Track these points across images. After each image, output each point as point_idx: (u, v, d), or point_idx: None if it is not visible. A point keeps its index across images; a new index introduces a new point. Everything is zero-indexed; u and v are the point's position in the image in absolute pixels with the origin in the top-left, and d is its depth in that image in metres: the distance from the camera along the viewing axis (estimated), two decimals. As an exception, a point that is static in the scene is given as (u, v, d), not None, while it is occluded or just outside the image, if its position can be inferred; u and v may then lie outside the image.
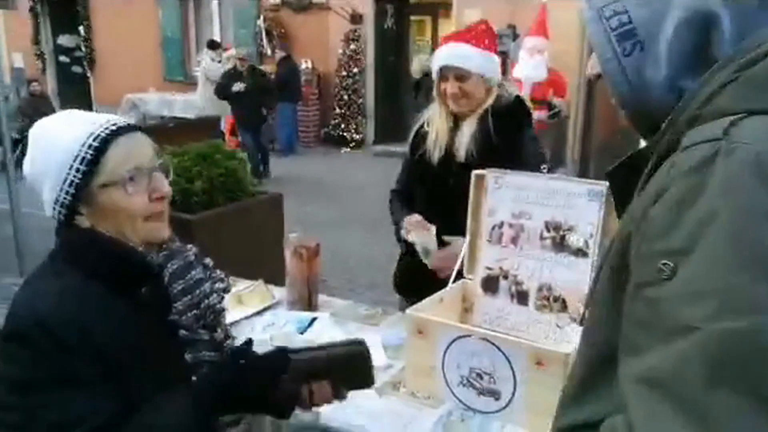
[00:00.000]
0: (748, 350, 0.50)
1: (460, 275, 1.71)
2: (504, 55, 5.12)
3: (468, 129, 1.84)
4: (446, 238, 1.84)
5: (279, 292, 2.06)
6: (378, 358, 1.67)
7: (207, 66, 8.35)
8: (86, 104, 10.98)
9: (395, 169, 2.16)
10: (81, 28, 12.12)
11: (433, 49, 9.96)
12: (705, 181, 0.56)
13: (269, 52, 9.85)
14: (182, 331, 1.10)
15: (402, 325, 1.69)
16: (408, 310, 1.54)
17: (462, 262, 1.71)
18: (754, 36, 0.63)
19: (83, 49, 12.22)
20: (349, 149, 9.49)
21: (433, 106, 1.94)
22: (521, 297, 1.63)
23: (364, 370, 1.10)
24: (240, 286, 2.12)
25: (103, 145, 1.01)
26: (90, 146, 1.00)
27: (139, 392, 0.98)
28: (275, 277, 2.15)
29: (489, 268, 1.68)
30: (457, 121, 1.88)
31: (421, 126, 1.98)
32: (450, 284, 1.68)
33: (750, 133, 0.56)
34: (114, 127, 1.03)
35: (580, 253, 1.53)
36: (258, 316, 1.93)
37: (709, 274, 0.53)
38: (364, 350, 1.10)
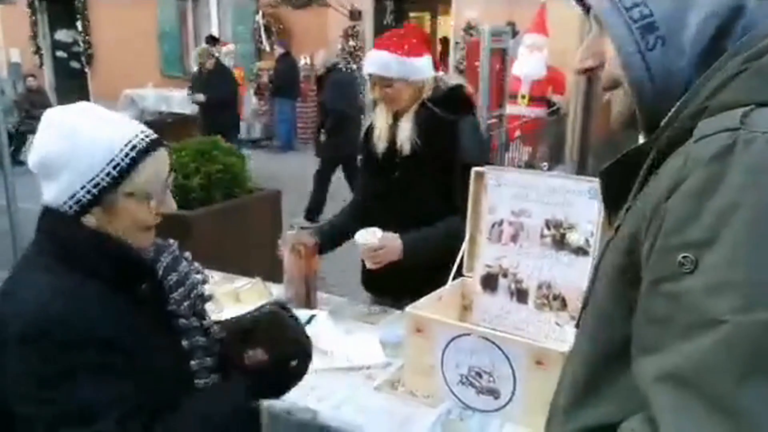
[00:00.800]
0: None
1: (459, 273, 1.71)
2: (503, 52, 5.10)
3: (406, 123, 1.91)
4: (382, 234, 1.88)
5: (277, 290, 2.05)
6: (376, 356, 1.66)
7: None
8: (84, 100, 10.89)
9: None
10: (79, 24, 12.08)
11: (432, 45, 10.01)
12: (724, 171, 0.54)
13: (268, 48, 9.83)
14: (181, 320, 1.15)
15: (400, 323, 1.68)
16: (407, 309, 1.53)
17: (461, 259, 1.70)
18: (757, 30, 0.62)
19: (81, 44, 12.18)
20: (347, 146, 9.49)
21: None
22: (521, 295, 1.62)
23: (284, 329, 1.20)
24: (238, 283, 2.11)
25: (139, 156, 1.04)
26: (127, 155, 1.03)
27: (145, 380, 1.01)
28: (273, 275, 2.14)
29: (489, 266, 1.67)
30: (396, 116, 1.96)
31: (371, 123, 2.07)
32: (450, 282, 1.68)
33: (766, 122, 0.55)
34: (149, 140, 1.07)
35: (581, 251, 1.52)
36: (256, 314, 1.93)
37: (734, 264, 0.51)
38: (279, 309, 1.23)
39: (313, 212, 5.73)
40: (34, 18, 12.30)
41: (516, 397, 1.37)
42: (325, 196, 5.80)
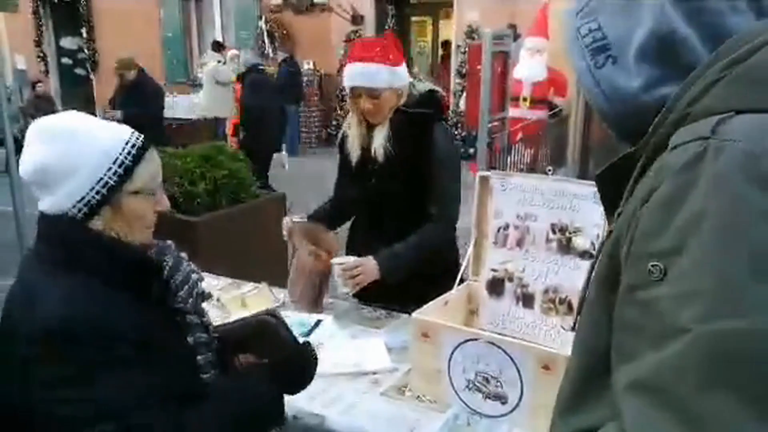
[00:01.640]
0: (746, 351, 0.48)
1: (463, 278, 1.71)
2: (505, 55, 5.10)
3: (380, 132, 1.92)
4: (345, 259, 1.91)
5: (283, 295, 2.05)
6: (383, 361, 1.66)
7: (215, 68, 8.31)
8: (89, 106, 10.99)
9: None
10: (83, 31, 12.14)
11: (433, 49, 10.04)
12: (694, 180, 0.54)
13: (271, 53, 9.86)
14: (188, 317, 1.18)
15: (406, 328, 1.68)
16: (413, 314, 1.53)
17: (466, 263, 1.70)
18: (734, 38, 0.62)
19: (86, 51, 12.24)
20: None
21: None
22: (527, 299, 1.62)
23: (274, 338, 1.25)
24: (244, 288, 2.11)
25: (140, 153, 1.09)
26: (129, 153, 1.08)
27: (166, 374, 1.05)
28: (279, 280, 2.14)
29: (494, 270, 1.67)
30: (370, 126, 1.96)
31: (344, 131, 2.07)
32: (455, 287, 1.68)
33: (739, 131, 0.55)
34: (143, 140, 1.12)
35: (587, 255, 1.52)
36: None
37: (700, 273, 0.51)
38: (271, 318, 1.28)
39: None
40: (39, 25, 12.37)
41: (523, 402, 1.36)
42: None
